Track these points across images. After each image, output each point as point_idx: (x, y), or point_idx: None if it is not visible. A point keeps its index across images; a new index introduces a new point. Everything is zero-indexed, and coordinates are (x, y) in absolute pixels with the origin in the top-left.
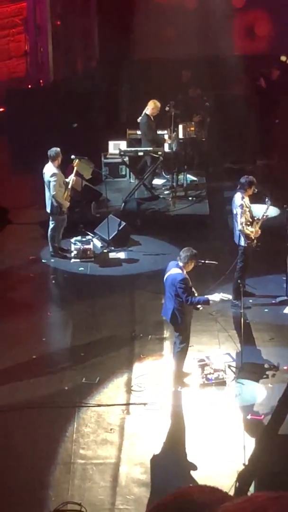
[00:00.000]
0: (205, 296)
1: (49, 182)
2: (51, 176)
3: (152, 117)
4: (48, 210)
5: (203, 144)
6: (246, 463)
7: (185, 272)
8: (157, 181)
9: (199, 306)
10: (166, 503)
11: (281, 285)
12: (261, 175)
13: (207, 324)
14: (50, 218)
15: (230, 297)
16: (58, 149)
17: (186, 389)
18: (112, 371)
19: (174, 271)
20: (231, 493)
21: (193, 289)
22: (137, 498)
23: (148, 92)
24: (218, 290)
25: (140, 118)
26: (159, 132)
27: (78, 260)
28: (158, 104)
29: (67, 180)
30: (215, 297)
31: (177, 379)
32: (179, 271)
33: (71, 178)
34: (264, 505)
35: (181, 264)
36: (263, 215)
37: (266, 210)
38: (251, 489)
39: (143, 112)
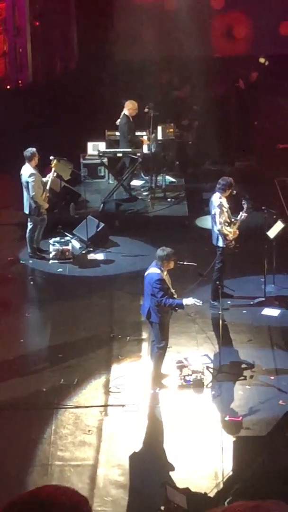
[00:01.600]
0: (180, 300)
1: (27, 183)
2: (29, 176)
3: (131, 118)
4: (27, 211)
5: (188, 146)
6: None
7: (164, 272)
8: (136, 182)
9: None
10: (18, 502)
11: (259, 286)
12: (240, 177)
13: (186, 326)
14: (29, 219)
15: (201, 303)
16: (34, 149)
17: (165, 390)
18: (90, 372)
19: (152, 270)
20: (211, 494)
21: (173, 291)
22: (115, 500)
23: (127, 93)
24: (197, 291)
25: (119, 119)
26: (137, 133)
27: (56, 261)
28: (136, 104)
29: (44, 180)
30: (189, 300)
31: (155, 380)
32: (157, 270)
33: (50, 177)
34: None
35: (159, 263)
36: (241, 216)
37: (245, 211)
38: None
39: (122, 113)
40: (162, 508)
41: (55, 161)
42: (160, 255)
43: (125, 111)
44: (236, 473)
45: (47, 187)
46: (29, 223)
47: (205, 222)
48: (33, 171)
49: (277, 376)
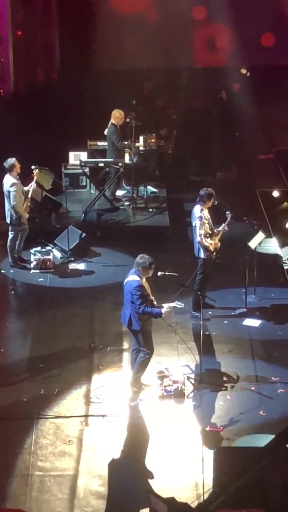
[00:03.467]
0: (159, 309)
1: (9, 192)
2: (11, 186)
3: (118, 127)
4: (8, 220)
5: (167, 156)
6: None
7: (143, 279)
8: (118, 192)
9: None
10: None
11: (240, 297)
12: (221, 187)
13: (167, 336)
14: (10, 228)
15: (183, 305)
16: (13, 159)
17: (145, 400)
18: (71, 382)
19: (132, 277)
20: (194, 505)
21: (152, 298)
22: (95, 510)
23: (108, 103)
24: (177, 302)
25: (106, 129)
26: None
27: (37, 271)
28: (123, 114)
29: (26, 189)
30: (167, 312)
31: (135, 387)
32: (136, 277)
33: (31, 187)
34: None
35: (138, 271)
36: (223, 227)
37: (227, 222)
38: None
39: (109, 122)
40: None
41: (36, 171)
42: (139, 262)
43: (112, 120)
44: (217, 483)
45: (29, 197)
46: (10, 233)
47: (187, 232)
48: (14, 181)
49: (258, 386)
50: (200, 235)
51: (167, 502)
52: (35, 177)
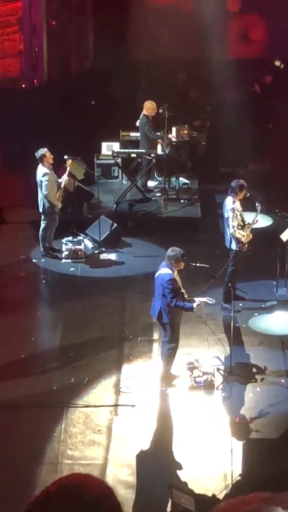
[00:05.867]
0: (191, 304)
1: (41, 182)
2: (43, 176)
3: (150, 118)
4: (40, 210)
5: (201, 147)
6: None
7: (175, 272)
8: (149, 183)
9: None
10: (51, 496)
11: (271, 290)
12: (253, 180)
13: (197, 327)
14: (42, 218)
15: (214, 301)
16: (45, 149)
17: (175, 391)
18: (101, 372)
19: (164, 271)
20: (220, 496)
21: (183, 291)
22: (123, 500)
23: (142, 94)
24: (209, 293)
25: (138, 120)
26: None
27: (69, 260)
28: (155, 105)
29: (59, 180)
30: (199, 306)
31: (165, 381)
32: (168, 271)
33: (64, 179)
34: (258, 506)
35: (170, 264)
36: (254, 220)
37: (257, 215)
38: None
39: (141, 114)
40: (169, 511)
41: (69, 161)
42: (170, 255)
43: (144, 112)
44: (245, 475)
45: (61, 187)
46: (42, 222)
47: (218, 224)
48: (46, 170)
49: (287, 379)
50: (233, 227)
51: (192, 495)
52: (68, 168)
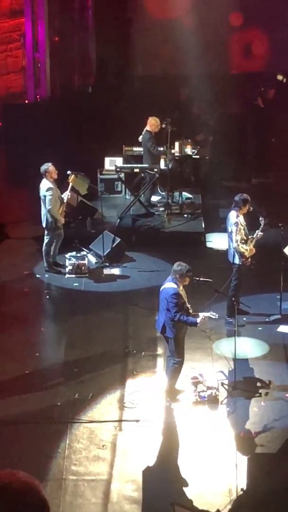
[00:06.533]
0: (194, 318)
1: (45, 196)
2: (47, 190)
3: (153, 134)
4: (44, 225)
5: (204, 162)
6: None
7: (180, 287)
8: (153, 198)
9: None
10: None
11: (275, 304)
12: (256, 193)
13: (201, 342)
14: (45, 233)
15: (217, 316)
16: (49, 164)
17: (179, 406)
18: (105, 387)
19: (168, 285)
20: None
21: (188, 306)
22: None
23: (144, 109)
24: (212, 307)
25: (141, 136)
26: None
27: (72, 275)
28: (158, 121)
29: (62, 195)
30: (202, 321)
31: (170, 396)
32: (173, 285)
33: (67, 194)
34: None
35: (175, 278)
36: (257, 234)
37: (261, 229)
38: None
39: (144, 129)
40: None
41: (72, 176)
42: (176, 270)
43: (148, 127)
44: (250, 490)
45: (64, 202)
46: (45, 237)
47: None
48: (50, 185)
49: None
50: (236, 241)
51: (197, 511)
52: (70, 183)
